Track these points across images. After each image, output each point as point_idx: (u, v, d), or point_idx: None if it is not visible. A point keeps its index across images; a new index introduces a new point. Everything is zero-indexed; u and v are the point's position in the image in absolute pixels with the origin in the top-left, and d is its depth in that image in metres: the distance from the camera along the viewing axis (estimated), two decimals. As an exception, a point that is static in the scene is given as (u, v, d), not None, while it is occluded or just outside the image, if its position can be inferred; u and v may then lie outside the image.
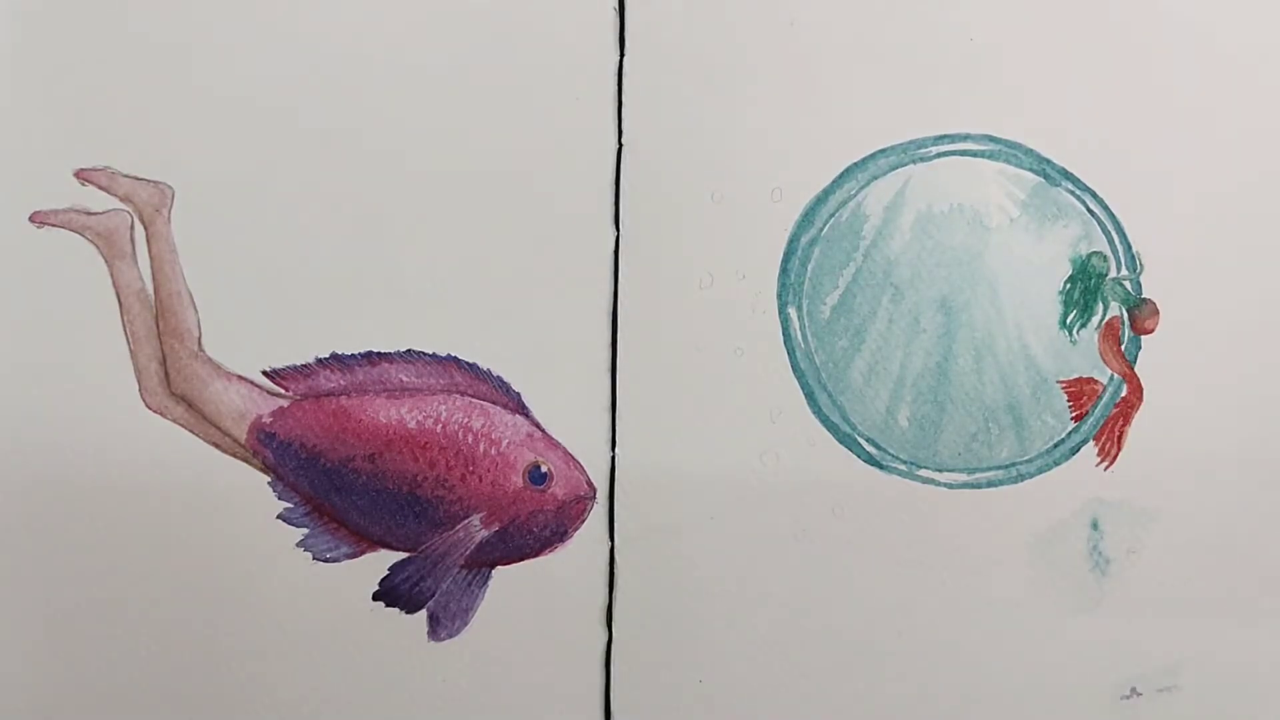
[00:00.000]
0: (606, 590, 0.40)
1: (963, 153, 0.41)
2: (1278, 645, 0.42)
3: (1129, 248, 0.42)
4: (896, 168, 0.41)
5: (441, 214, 0.40)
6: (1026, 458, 0.41)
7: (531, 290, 0.41)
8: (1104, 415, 0.42)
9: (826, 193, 0.41)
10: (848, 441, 0.41)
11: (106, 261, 0.40)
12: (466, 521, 0.40)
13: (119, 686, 0.39)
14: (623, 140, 0.41)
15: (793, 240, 0.41)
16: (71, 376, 0.39)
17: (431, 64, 0.41)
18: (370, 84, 0.40)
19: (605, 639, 0.40)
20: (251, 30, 0.40)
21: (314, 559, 0.40)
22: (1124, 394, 0.42)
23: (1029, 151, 0.41)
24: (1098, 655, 0.41)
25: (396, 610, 0.40)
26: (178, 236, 0.40)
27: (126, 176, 0.40)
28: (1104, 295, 0.41)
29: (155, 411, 0.40)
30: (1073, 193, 0.41)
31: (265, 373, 0.40)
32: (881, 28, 0.41)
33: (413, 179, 0.40)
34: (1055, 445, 0.41)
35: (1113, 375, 0.42)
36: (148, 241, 0.40)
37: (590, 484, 0.40)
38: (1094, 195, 0.41)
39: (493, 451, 0.40)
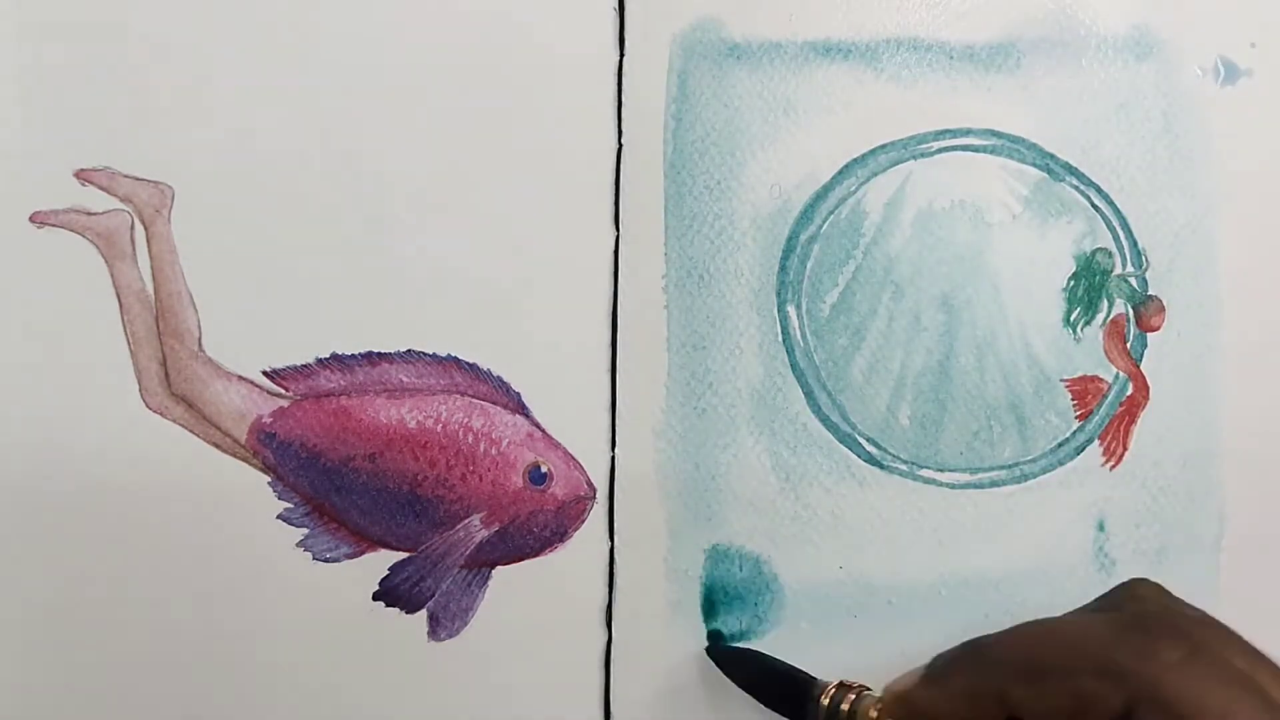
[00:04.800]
0: (606, 590, 0.40)
1: (964, 148, 0.41)
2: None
3: (1134, 244, 0.41)
4: (897, 163, 0.41)
5: (441, 214, 0.40)
6: (1030, 457, 0.41)
7: (531, 290, 0.40)
8: (1109, 414, 0.41)
9: (826, 189, 0.41)
10: (848, 441, 0.40)
11: (106, 262, 0.40)
12: (466, 521, 0.40)
13: (119, 686, 0.40)
14: (623, 140, 0.41)
15: (792, 237, 0.40)
16: (71, 376, 0.39)
17: (431, 64, 0.41)
18: (370, 84, 0.40)
19: (605, 639, 0.40)
20: (251, 30, 0.40)
21: (314, 559, 0.40)
22: (1130, 392, 0.41)
23: (1032, 146, 0.41)
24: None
25: (396, 610, 0.40)
26: (178, 236, 0.40)
27: (126, 177, 0.40)
28: (1109, 292, 0.41)
29: (155, 411, 0.40)
30: (1077, 188, 0.41)
31: (265, 373, 0.40)
32: (881, 22, 0.41)
33: (413, 179, 0.40)
34: (1059, 445, 0.41)
35: (1118, 374, 0.41)
36: (148, 242, 0.40)
37: (590, 484, 0.40)
38: (1098, 190, 0.41)
39: (493, 451, 0.40)
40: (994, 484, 0.41)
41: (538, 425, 0.40)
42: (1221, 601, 0.41)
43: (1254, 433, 0.41)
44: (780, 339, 0.40)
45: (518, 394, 0.40)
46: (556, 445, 0.40)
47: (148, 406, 0.40)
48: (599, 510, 0.40)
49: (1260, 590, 0.41)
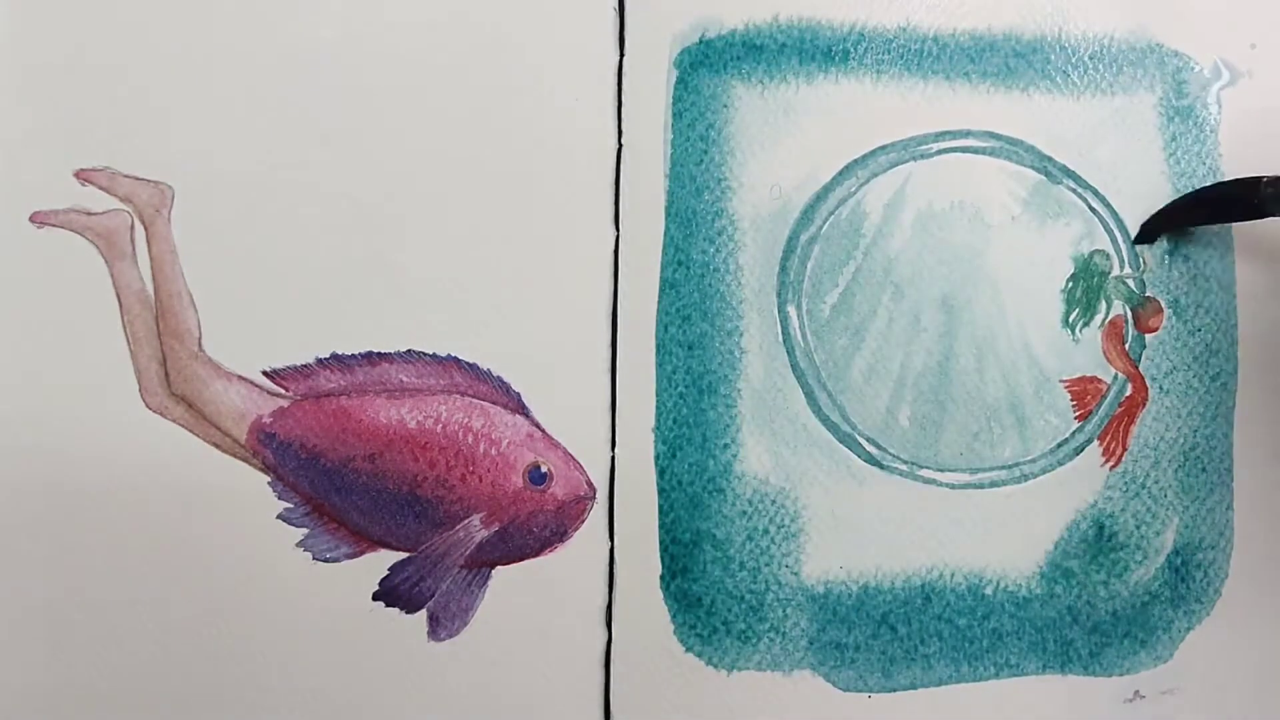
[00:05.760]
0: (606, 590, 0.40)
1: (964, 149, 0.41)
2: (1285, 647, 0.41)
3: (1132, 246, 0.41)
4: (897, 164, 0.41)
5: (441, 214, 0.40)
6: (1030, 458, 0.41)
7: (531, 290, 0.41)
8: (1108, 415, 0.41)
9: (826, 190, 0.41)
10: (848, 441, 0.41)
11: (107, 262, 0.40)
12: (466, 521, 0.40)
13: (119, 686, 0.39)
14: (623, 140, 0.41)
15: (792, 238, 0.41)
16: (71, 376, 0.39)
17: (432, 64, 0.41)
18: (370, 84, 0.41)
19: (605, 639, 0.40)
20: (251, 30, 0.40)
21: (314, 559, 0.40)
22: (1128, 393, 0.41)
23: (1030, 148, 0.41)
24: (1101, 657, 0.41)
25: (396, 610, 0.40)
26: (178, 236, 0.40)
27: (126, 176, 0.40)
28: (1107, 294, 0.41)
29: (155, 411, 0.40)
30: (1074, 190, 0.41)
31: (265, 373, 0.40)
32: (881, 24, 0.41)
33: (413, 179, 0.40)
34: (1059, 445, 0.41)
35: (1117, 374, 0.41)
36: (148, 242, 0.40)
37: (590, 484, 0.40)
38: (1095, 193, 0.41)
39: (493, 451, 0.40)
40: (994, 484, 0.41)
41: (538, 425, 0.40)
42: (1223, 602, 0.41)
43: (1253, 433, 0.41)
44: (780, 339, 0.40)
45: (518, 394, 0.40)
46: (556, 445, 0.40)
47: (148, 406, 0.40)
48: (599, 510, 0.40)
49: (1262, 590, 0.41)
